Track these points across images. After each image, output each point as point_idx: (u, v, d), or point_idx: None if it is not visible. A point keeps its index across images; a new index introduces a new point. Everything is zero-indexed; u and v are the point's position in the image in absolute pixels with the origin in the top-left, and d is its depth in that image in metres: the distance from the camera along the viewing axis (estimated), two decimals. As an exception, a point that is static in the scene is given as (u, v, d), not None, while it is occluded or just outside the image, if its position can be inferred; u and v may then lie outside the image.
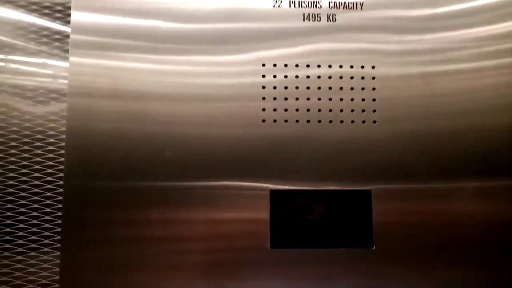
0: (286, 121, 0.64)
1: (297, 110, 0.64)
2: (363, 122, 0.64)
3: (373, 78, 0.65)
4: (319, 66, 0.65)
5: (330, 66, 0.65)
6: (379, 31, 0.65)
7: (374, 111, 0.64)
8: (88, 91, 0.61)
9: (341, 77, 0.65)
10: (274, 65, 0.64)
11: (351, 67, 0.65)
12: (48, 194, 0.62)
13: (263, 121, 0.64)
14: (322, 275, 0.61)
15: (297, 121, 0.64)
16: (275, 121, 0.64)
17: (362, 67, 0.65)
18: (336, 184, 0.63)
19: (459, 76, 0.65)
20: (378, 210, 0.62)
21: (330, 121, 0.64)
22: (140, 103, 0.61)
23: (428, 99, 0.64)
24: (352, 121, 0.64)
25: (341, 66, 0.65)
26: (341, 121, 0.64)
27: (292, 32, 0.65)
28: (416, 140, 0.63)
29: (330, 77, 0.65)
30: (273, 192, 0.62)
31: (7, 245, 0.61)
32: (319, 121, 0.64)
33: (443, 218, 0.63)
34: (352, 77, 0.65)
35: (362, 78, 0.65)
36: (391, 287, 0.62)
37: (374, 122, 0.64)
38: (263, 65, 0.64)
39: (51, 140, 0.62)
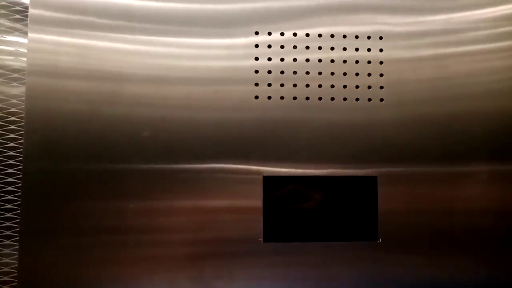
0: (282, 98, 0.56)
1: (294, 85, 0.57)
2: (369, 100, 0.57)
3: (381, 50, 0.58)
4: (320, 35, 0.57)
5: (332, 36, 0.57)
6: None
7: (381, 87, 0.57)
8: (50, 70, 0.55)
9: (344, 49, 0.57)
10: (269, 34, 0.57)
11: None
12: (9, 179, 0.56)
13: (256, 97, 0.56)
14: (321, 272, 0.56)
15: (294, 98, 0.57)
16: (269, 97, 0.56)
17: (369, 37, 0.58)
18: (337, 169, 0.57)
19: (472, 57, 0.59)
20: (384, 198, 0.57)
21: (332, 99, 0.57)
22: (113, 84, 0.56)
23: (440, 82, 0.59)
24: (357, 99, 0.57)
25: (344, 36, 0.57)
26: (345, 99, 0.57)
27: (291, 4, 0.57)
28: (426, 123, 0.58)
29: (332, 49, 0.57)
30: (267, 179, 0.55)
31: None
32: (320, 99, 0.57)
33: (455, 206, 0.58)
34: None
35: (369, 50, 0.58)
36: (397, 284, 0.56)
37: (381, 100, 0.57)
38: (256, 33, 0.57)
39: (13, 119, 0.56)
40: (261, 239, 0.55)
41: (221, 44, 0.56)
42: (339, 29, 0.57)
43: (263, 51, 0.57)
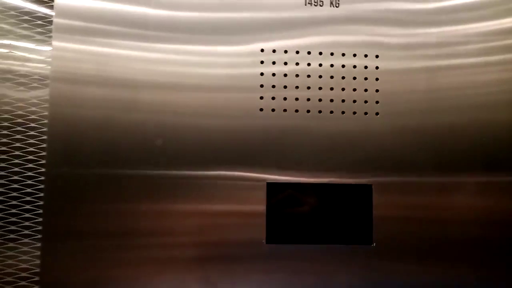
0: (285, 110, 0.60)
1: (296, 99, 0.61)
2: (365, 113, 0.61)
3: (377, 67, 0.62)
4: (320, 53, 0.61)
5: (332, 54, 0.62)
6: (383, 23, 0.62)
7: (377, 102, 0.61)
8: (72, 77, 0.57)
9: (343, 66, 0.62)
10: (274, 51, 0.61)
11: (354, 55, 0.62)
12: (29, 182, 0.58)
13: (261, 110, 0.60)
14: (319, 272, 0.59)
15: (296, 111, 0.61)
16: (273, 110, 0.60)
17: (366, 55, 0.62)
18: (336, 177, 0.60)
19: (463, 70, 0.62)
20: (378, 205, 0.60)
21: (331, 112, 0.61)
22: (128, 91, 0.58)
23: (432, 94, 0.61)
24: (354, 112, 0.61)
25: (343, 55, 0.62)
26: (343, 112, 0.61)
27: (293, 20, 0.61)
28: (419, 134, 0.61)
29: (332, 66, 0.61)
30: (270, 185, 0.59)
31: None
32: (320, 112, 0.61)
33: (447, 215, 0.61)
34: (355, 68, 0.62)
35: (366, 68, 0.62)
36: (391, 286, 0.59)
37: (377, 114, 0.61)
38: (262, 50, 0.61)
39: (33, 125, 0.58)
40: (264, 241, 0.58)
41: (228, 52, 0.59)
42: (337, 42, 0.61)
43: (267, 68, 0.60)
